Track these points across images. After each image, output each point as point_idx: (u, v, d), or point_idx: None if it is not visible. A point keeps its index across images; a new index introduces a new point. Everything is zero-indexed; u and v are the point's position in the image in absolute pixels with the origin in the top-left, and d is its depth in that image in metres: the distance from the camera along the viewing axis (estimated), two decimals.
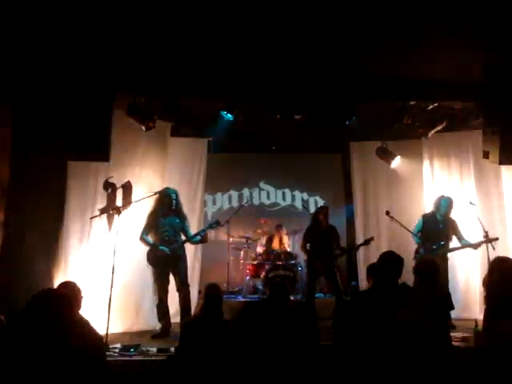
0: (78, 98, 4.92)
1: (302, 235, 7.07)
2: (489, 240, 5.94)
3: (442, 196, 6.66)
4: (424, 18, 4.35)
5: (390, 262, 3.69)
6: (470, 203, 6.53)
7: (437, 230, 6.37)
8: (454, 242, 6.44)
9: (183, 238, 6.07)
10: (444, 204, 6.43)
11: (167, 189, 6.11)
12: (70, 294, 2.93)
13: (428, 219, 6.54)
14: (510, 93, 5.32)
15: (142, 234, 5.96)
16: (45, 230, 5.63)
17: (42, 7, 4.10)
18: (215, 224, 6.12)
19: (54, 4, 4.06)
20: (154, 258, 5.88)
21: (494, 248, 5.90)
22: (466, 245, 6.33)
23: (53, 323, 2.41)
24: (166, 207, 5.94)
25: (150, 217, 5.98)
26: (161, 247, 5.82)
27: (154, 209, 5.99)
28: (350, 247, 6.61)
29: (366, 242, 6.68)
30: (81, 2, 4.05)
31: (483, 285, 3.59)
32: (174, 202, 5.95)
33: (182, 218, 6.07)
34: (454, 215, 6.55)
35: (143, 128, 6.09)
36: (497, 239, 6.00)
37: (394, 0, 4.12)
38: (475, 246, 6.27)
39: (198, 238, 6.09)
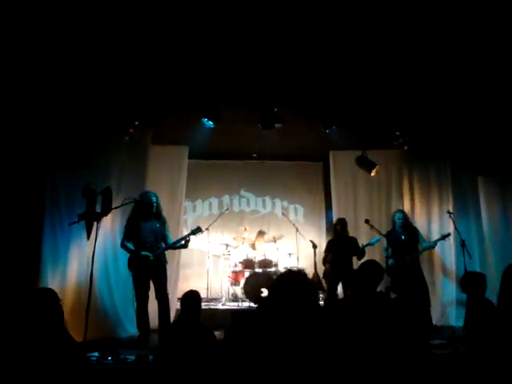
0: None
1: (325, 248, 7.23)
2: (443, 237, 6.32)
3: (396, 210, 6.90)
4: None
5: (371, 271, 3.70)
6: (448, 212, 6.64)
7: (401, 243, 6.49)
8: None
9: (164, 244, 6.02)
10: (399, 217, 6.60)
11: (148, 192, 6.07)
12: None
13: (390, 236, 6.65)
14: None
15: (124, 240, 5.88)
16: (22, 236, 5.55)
17: None
18: (197, 231, 6.07)
19: None
20: (135, 263, 5.80)
21: (470, 256, 6.00)
22: (425, 248, 6.55)
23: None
24: (147, 211, 5.89)
25: (130, 222, 5.90)
26: (143, 253, 5.75)
27: (134, 214, 5.92)
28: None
29: None
30: None
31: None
32: (154, 205, 5.91)
33: (162, 221, 6.02)
34: (432, 224, 6.67)
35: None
36: (449, 235, 6.37)
37: None
38: (433, 246, 6.55)
39: (179, 244, 6.05)
